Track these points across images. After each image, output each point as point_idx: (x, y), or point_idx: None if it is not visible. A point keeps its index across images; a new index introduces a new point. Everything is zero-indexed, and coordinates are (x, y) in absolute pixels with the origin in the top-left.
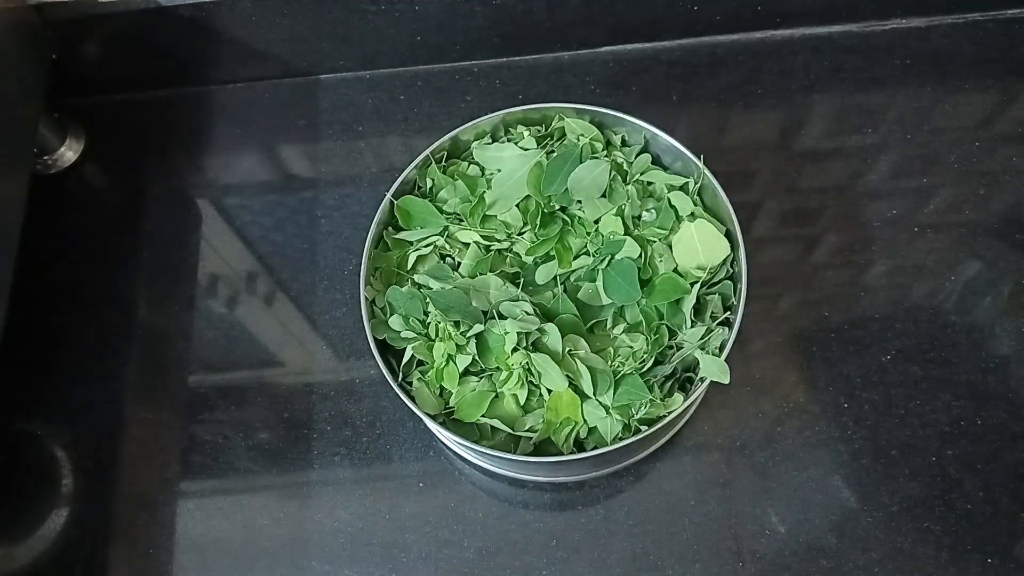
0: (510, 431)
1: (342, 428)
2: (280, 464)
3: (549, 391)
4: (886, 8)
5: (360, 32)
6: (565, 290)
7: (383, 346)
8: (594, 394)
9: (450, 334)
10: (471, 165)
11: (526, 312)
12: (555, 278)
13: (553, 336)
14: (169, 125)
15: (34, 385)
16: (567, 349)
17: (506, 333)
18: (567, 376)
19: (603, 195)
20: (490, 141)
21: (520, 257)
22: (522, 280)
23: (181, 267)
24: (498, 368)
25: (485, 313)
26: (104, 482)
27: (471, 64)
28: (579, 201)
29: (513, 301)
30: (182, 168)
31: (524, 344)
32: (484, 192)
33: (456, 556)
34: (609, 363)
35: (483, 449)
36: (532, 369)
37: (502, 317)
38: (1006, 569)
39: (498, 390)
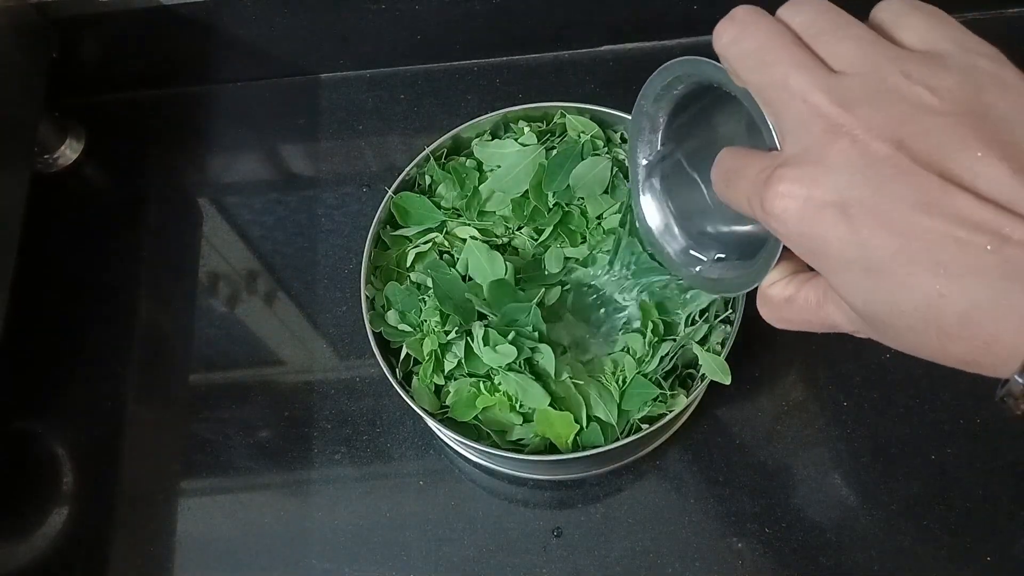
0: (499, 443)
1: (342, 426)
2: (281, 462)
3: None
4: None
5: (360, 31)
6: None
7: (383, 344)
8: (601, 413)
9: (434, 330)
10: (468, 159)
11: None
12: (565, 263)
13: (547, 356)
14: (169, 125)
15: (34, 384)
16: (565, 376)
17: (493, 378)
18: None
19: (605, 191)
20: (490, 138)
21: (518, 253)
22: (523, 275)
23: (181, 266)
24: (487, 375)
25: (483, 316)
26: (105, 480)
27: (471, 63)
28: (581, 199)
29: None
30: (182, 167)
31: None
32: (479, 186)
33: (456, 554)
34: (612, 373)
35: (482, 447)
36: (514, 392)
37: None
38: (1005, 568)
39: (489, 399)
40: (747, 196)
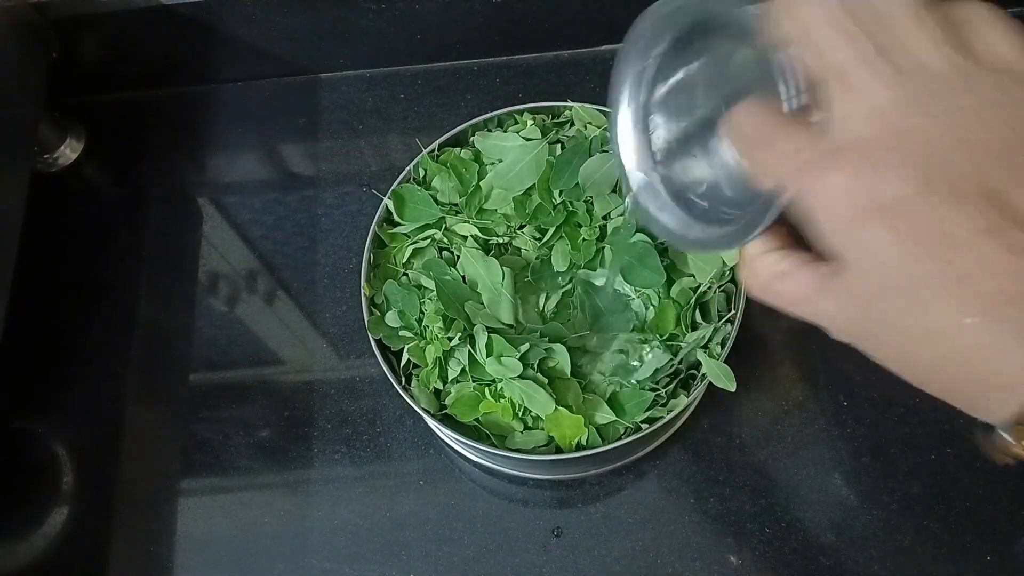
0: (496, 447)
1: (342, 426)
2: (281, 462)
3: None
4: None
5: (360, 30)
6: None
7: (383, 343)
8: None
9: (437, 336)
10: (463, 150)
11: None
12: (571, 265)
13: (562, 356)
14: (169, 124)
15: (34, 384)
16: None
17: (497, 384)
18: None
19: (614, 190)
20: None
21: (519, 253)
22: (530, 278)
23: (181, 265)
24: (492, 381)
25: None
26: (105, 480)
27: (471, 63)
28: (589, 198)
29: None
30: (182, 167)
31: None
32: (479, 181)
33: (456, 554)
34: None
35: (482, 447)
36: (519, 400)
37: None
38: (1005, 567)
39: (492, 405)
40: (777, 175)
